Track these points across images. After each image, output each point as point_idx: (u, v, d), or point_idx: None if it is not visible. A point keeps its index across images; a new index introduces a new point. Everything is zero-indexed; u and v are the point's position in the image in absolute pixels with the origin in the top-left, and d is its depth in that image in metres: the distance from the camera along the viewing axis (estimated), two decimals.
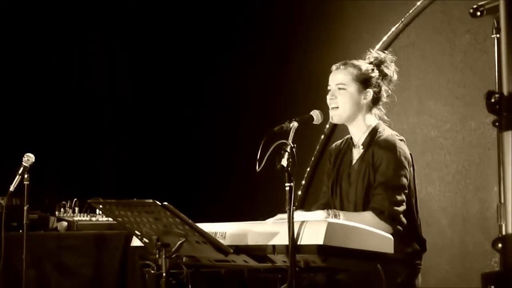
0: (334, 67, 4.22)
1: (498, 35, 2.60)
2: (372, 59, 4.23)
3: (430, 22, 5.78)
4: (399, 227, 3.91)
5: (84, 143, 7.46)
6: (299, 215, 3.77)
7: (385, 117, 4.26)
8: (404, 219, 3.95)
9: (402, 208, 3.94)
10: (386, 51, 4.37)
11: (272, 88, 6.98)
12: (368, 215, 3.90)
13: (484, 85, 5.28)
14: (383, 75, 4.20)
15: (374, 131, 4.15)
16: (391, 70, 4.22)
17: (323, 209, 4.09)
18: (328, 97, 4.18)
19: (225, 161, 7.37)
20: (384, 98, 4.23)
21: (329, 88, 4.20)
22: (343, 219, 3.78)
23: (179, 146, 7.65)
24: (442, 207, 5.59)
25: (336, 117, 4.18)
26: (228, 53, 7.38)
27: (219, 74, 7.46)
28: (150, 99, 7.81)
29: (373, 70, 4.18)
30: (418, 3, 5.77)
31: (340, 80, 4.16)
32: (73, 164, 7.32)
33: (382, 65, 4.21)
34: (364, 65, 4.19)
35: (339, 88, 4.15)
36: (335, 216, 3.83)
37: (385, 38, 5.91)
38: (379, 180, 3.99)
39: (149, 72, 7.85)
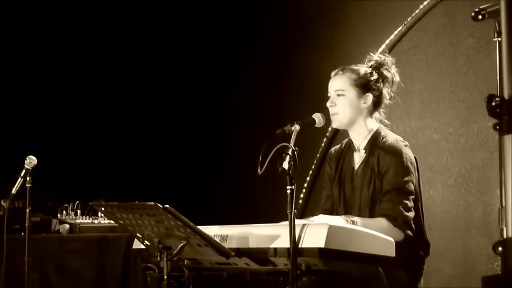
0: (333, 73, 4.21)
1: (499, 39, 2.60)
2: (372, 63, 4.21)
3: (433, 25, 5.78)
4: (409, 232, 3.92)
5: (87, 146, 7.45)
6: (321, 219, 3.80)
7: (386, 121, 4.25)
8: (413, 225, 3.95)
9: (412, 214, 3.95)
10: (387, 54, 4.34)
11: (275, 90, 6.98)
12: (383, 221, 3.90)
13: (487, 89, 5.27)
14: (383, 78, 4.18)
15: (376, 135, 4.14)
16: (391, 72, 4.19)
17: (327, 214, 4.10)
18: (328, 104, 4.16)
19: (227, 164, 7.36)
20: (386, 101, 4.22)
21: (328, 95, 4.19)
22: (361, 225, 3.79)
23: (181, 149, 7.64)
24: (444, 210, 5.58)
25: (336, 122, 4.17)
26: (231, 56, 7.37)
27: (221, 76, 7.46)
28: (153, 102, 7.80)
29: (371, 73, 4.15)
30: (421, 6, 5.77)
31: (338, 86, 4.14)
32: (75, 166, 7.31)
33: (381, 68, 4.18)
34: (362, 69, 4.17)
35: (338, 95, 4.13)
36: (353, 222, 3.83)
37: (387, 41, 5.91)
38: (388, 186, 3.98)
39: (152, 76, 7.84)
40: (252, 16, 7.29)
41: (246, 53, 7.25)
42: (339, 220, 3.81)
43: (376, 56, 4.23)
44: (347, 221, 3.82)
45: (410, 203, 3.96)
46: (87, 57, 7.59)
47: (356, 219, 3.87)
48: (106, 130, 7.64)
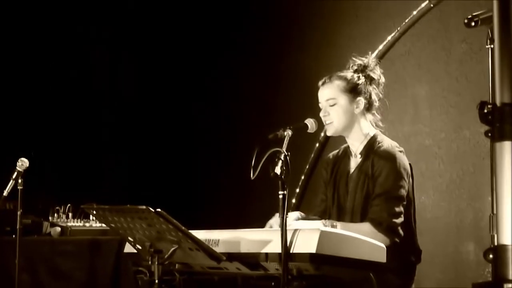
0: (320, 83, 4.21)
1: (492, 46, 2.61)
2: (356, 67, 4.21)
3: (426, 31, 5.78)
4: (396, 239, 3.91)
5: (79, 149, 7.44)
6: (297, 223, 3.80)
7: (380, 123, 4.26)
8: (401, 231, 3.95)
9: (400, 220, 3.95)
10: (375, 58, 4.34)
11: (267, 95, 6.97)
12: (366, 226, 3.90)
13: (479, 95, 5.24)
14: (370, 80, 4.19)
15: (372, 141, 4.15)
16: (377, 73, 4.21)
17: (320, 216, 4.10)
18: (321, 114, 4.17)
19: (219, 169, 7.35)
20: (376, 103, 4.22)
21: (320, 105, 4.19)
22: (340, 229, 3.79)
23: (173, 153, 7.64)
24: (436, 216, 5.58)
25: (331, 130, 4.18)
26: (224, 61, 7.37)
27: (213, 82, 7.45)
28: (146, 108, 7.80)
29: (359, 77, 4.16)
30: (415, 12, 5.77)
31: (329, 95, 4.15)
32: (67, 169, 7.29)
33: (367, 70, 4.19)
34: (349, 74, 4.17)
35: (330, 105, 4.14)
36: (332, 226, 3.83)
37: (381, 46, 5.90)
38: (378, 191, 3.99)
39: (145, 77, 7.84)
40: (247, 18, 7.29)
41: (239, 58, 7.24)
42: (316, 224, 3.83)
43: (358, 60, 4.24)
44: (325, 225, 3.83)
45: (399, 209, 3.96)
46: (83, 52, 7.56)
47: (336, 223, 3.88)
48: (99, 133, 7.63)
